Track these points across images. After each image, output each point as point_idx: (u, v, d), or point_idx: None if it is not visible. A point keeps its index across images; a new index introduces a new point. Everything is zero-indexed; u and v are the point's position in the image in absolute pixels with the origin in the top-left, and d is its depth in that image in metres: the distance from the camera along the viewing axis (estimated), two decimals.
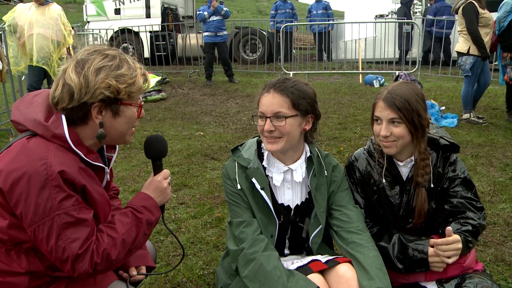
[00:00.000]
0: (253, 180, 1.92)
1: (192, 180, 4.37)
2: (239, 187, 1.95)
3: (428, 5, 13.27)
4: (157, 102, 8.80)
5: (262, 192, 1.93)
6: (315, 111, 1.98)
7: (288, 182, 2.02)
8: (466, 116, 6.55)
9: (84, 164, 1.57)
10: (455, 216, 2.01)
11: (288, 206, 2.02)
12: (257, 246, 1.85)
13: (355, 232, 1.92)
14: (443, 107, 7.08)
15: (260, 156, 2.02)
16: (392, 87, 2.00)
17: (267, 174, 1.99)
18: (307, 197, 2.04)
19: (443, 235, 1.89)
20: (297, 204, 2.03)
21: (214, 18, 10.25)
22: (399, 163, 2.07)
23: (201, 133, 6.23)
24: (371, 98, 8.42)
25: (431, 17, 11.66)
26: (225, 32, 10.53)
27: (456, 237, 1.84)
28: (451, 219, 2.01)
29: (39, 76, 6.58)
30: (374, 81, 9.89)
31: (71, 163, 1.51)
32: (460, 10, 6.22)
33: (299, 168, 2.00)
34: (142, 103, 1.69)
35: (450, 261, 1.85)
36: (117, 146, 1.87)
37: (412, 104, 1.93)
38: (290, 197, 2.02)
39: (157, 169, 1.78)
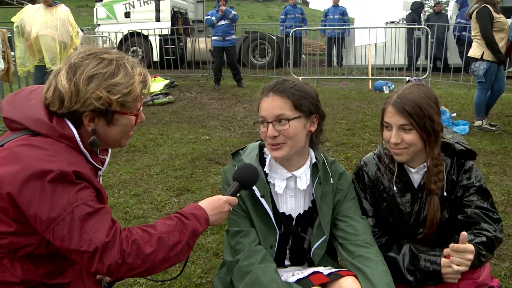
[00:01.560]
0: (253, 187, 1.80)
1: (195, 185, 4.27)
2: (237, 194, 1.82)
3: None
4: (164, 106, 8.73)
5: (262, 200, 1.81)
6: (319, 110, 1.86)
7: (291, 190, 1.90)
8: (478, 123, 6.38)
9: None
10: (469, 227, 1.88)
11: (290, 215, 1.90)
12: (253, 258, 1.73)
13: (362, 245, 1.79)
14: (454, 114, 6.92)
15: (262, 161, 1.91)
16: (402, 91, 1.88)
17: (268, 180, 1.87)
18: (310, 206, 1.92)
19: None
20: (299, 213, 1.91)
21: (222, 22, 10.20)
22: (411, 169, 1.94)
23: (207, 137, 6.14)
24: (380, 104, 8.28)
25: (464, 21, 11.45)
26: (233, 36, 10.46)
27: (470, 246, 1.71)
28: (465, 230, 1.88)
29: (44, 78, 6.54)
30: (384, 87, 9.75)
31: (82, 163, 1.46)
32: (474, 15, 6.08)
33: (304, 175, 1.88)
34: (141, 110, 1.60)
35: (456, 268, 1.71)
36: (109, 149, 1.79)
37: (424, 108, 1.81)
38: (293, 205, 1.90)
39: (231, 193, 1.71)
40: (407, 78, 9.58)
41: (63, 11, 6.61)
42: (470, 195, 1.91)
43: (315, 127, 1.86)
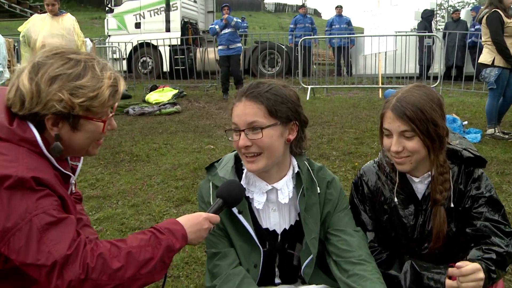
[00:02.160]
0: None
1: (195, 195, 4.14)
2: (220, 212, 1.65)
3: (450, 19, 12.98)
4: (171, 115, 8.66)
5: (240, 217, 1.65)
6: (299, 116, 1.66)
7: (274, 203, 1.73)
8: (490, 131, 6.17)
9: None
10: (478, 241, 1.72)
11: (274, 231, 1.74)
12: (230, 283, 1.58)
13: (357, 262, 1.62)
14: (466, 122, 6.71)
15: (239, 174, 1.74)
16: (402, 94, 1.73)
17: (247, 195, 1.70)
18: (298, 219, 1.75)
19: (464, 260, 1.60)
20: (285, 228, 1.74)
21: (226, 30, 10.14)
22: (414, 179, 1.79)
23: (212, 147, 6.02)
24: None
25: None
26: (238, 45, 10.34)
27: (475, 265, 1.55)
28: (473, 244, 1.72)
29: None
30: None
31: (45, 168, 1.33)
32: (484, 20, 5.91)
33: (285, 187, 1.71)
34: (111, 116, 1.48)
35: None
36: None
37: (426, 112, 1.66)
38: (277, 220, 1.73)
39: (213, 210, 1.57)
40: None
41: (68, 20, 6.59)
42: (480, 206, 1.75)
43: (294, 135, 1.67)
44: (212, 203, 1.62)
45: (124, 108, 9.05)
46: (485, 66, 5.99)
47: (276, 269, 1.77)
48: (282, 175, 1.72)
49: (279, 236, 1.74)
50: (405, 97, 1.69)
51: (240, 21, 10.41)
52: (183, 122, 7.97)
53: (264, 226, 1.72)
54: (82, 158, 1.66)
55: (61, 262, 1.21)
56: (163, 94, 10.33)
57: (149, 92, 10.72)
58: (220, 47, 10.30)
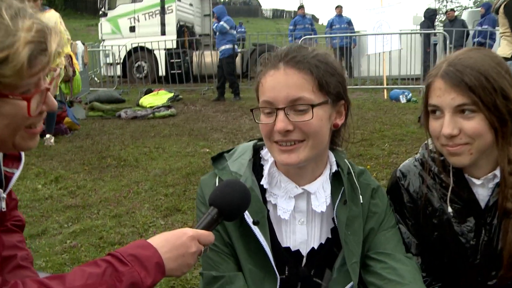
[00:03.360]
0: None
1: (186, 204, 3.63)
2: (215, 226, 1.16)
3: None
4: (166, 119, 8.21)
5: (256, 230, 1.18)
6: (347, 93, 1.25)
7: (302, 213, 1.25)
8: None
9: None
10: None
11: (298, 251, 1.25)
12: None
13: None
14: None
15: (258, 170, 1.28)
16: (456, 56, 1.24)
17: (267, 199, 1.25)
18: (329, 237, 1.27)
19: None
20: (313, 247, 1.26)
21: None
22: (475, 180, 1.29)
23: (207, 150, 5.54)
24: (398, 114, 7.65)
25: (491, 28, 10.80)
26: (226, 46, 10.00)
27: None
28: None
29: None
30: (401, 96, 9.13)
31: None
32: (501, 9, 5.43)
33: (321, 191, 1.25)
34: (44, 89, 0.99)
35: None
36: (23, 158, 1.19)
37: (493, 79, 1.17)
38: (304, 237, 1.25)
39: (205, 225, 1.07)
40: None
41: (52, 17, 6.13)
42: None
43: (343, 120, 1.26)
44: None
45: (116, 111, 8.61)
46: (504, 60, 5.51)
47: None
48: (317, 175, 1.26)
49: (304, 259, 1.25)
50: (461, 60, 1.21)
51: (221, 24, 10.07)
52: (177, 125, 7.50)
53: (284, 245, 1.24)
54: (22, 162, 1.17)
55: None
56: (158, 98, 9.87)
57: (144, 95, 10.27)
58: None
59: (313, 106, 1.13)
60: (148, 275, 0.95)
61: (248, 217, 1.17)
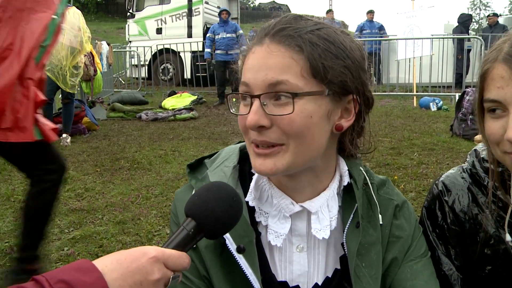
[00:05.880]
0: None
1: None
2: (193, 245, 0.83)
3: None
4: (186, 121, 8.04)
5: (241, 259, 0.88)
6: (364, 88, 0.91)
7: (301, 238, 0.95)
8: None
9: None
10: None
11: (298, 287, 0.96)
12: None
13: None
14: None
15: (244, 181, 0.98)
16: None
17: (256, 219, 0.95)
18: (338, 268, 0.96)
19: None
20: (317, 284, 0.95)
21: (224, 35, 9.93)
22: None
23: None
24: (428, 122, 7.24)
25: None
26: (237, 51, 9.84)
27: None
28: None
29: (51, 86, 5.91)
30: (431, 103, 8.70)
31: None
32: None
33: (325, 209, 0.94)
34: None
35: None
36: None
37: None
38: (304, 268, 0.94)
39: (177, 243, 0.77)
40: (466, 89, 8.26)
41: (74, 15, 6.04)
42: None
43: (351, 120, 0.92)
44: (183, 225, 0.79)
45: (137, 113, 8.48)
46: None
47: None
48: (320, 189, 0.95)
49: None
50: None
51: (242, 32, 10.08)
52: (197, 128, 7.30)
53: (280, 278, 0.94)
54: None
55: None
56: (181, 100, 9.73)
57: (167, 98, 10.14)
58: (218, 52, 10.03)
59: (295, 95, 0.82)
60: None
61: (231, 243, 0.87)
